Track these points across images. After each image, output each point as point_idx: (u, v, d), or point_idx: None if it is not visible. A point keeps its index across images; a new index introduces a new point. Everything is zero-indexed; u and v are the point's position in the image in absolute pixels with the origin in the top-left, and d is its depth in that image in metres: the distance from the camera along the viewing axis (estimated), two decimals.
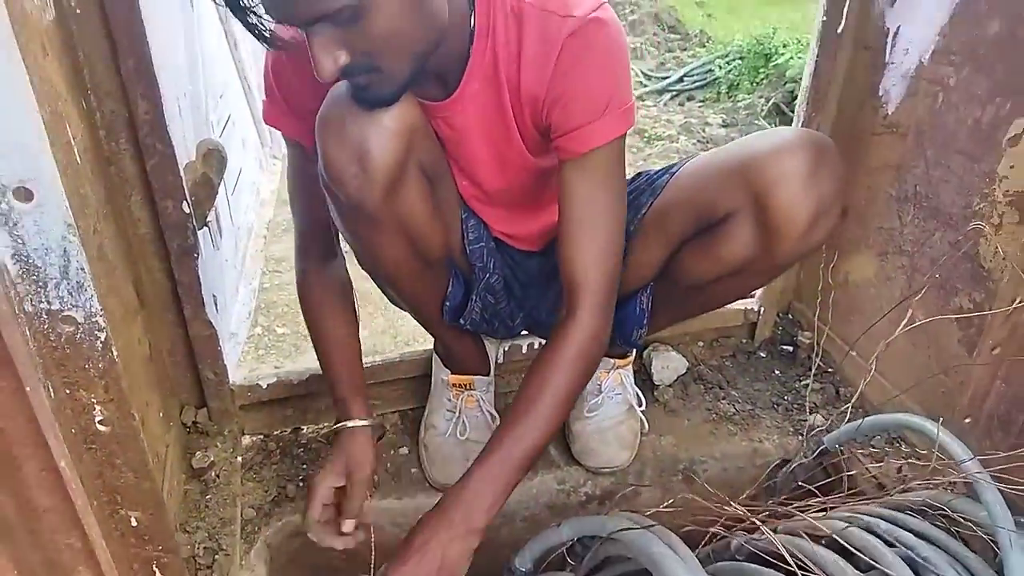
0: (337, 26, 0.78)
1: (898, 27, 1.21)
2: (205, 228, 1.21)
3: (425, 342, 1.41)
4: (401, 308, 1.30)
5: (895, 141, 1.26)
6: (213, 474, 1.21)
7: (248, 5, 0.77)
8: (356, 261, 1.15)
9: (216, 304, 1.29)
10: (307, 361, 1.68)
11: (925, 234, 1.24)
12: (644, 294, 1.19)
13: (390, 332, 2.20)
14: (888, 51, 1.23)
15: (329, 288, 1.18)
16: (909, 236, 1.27)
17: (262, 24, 0.80)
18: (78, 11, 0.97)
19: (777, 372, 1.55)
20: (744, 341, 1.62)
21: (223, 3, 0.78)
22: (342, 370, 1.16)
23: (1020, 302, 1.08)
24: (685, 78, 3.95)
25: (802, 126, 1.33)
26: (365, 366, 1.36)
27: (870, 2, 1.25)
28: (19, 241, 0.67)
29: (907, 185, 1.25)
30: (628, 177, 1.20)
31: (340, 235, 1.15)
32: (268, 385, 1.34)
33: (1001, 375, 1.15)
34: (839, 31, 1.24)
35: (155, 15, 1.04)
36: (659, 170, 1.16)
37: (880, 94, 1.27)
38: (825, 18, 1.23)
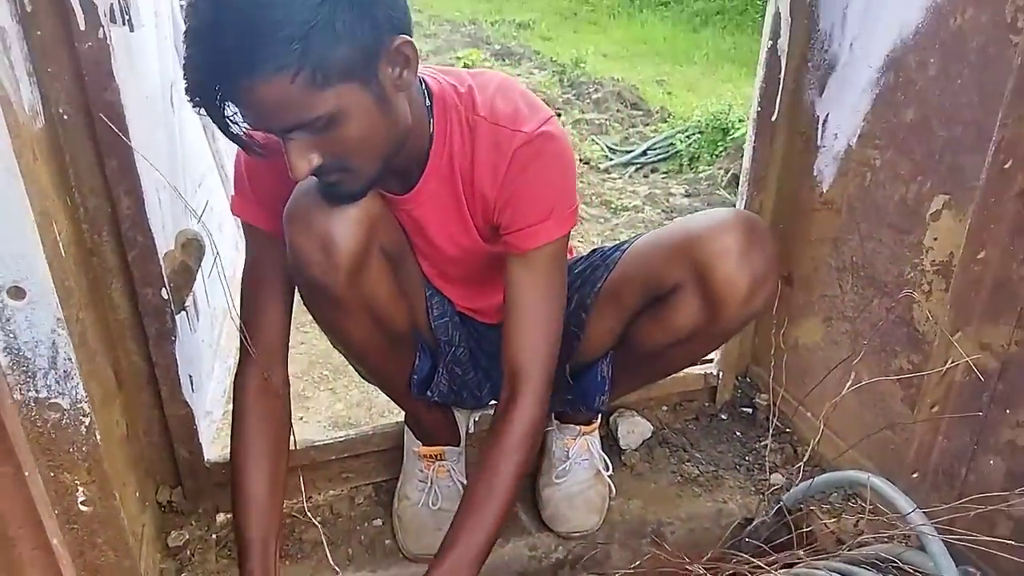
0: (312, 134, 0.85)
1: (827, 114, 1.32)
2: (183, 312, 1.26)
3: (398, 414, 1.45)
4: (371, 383, 1.36)
5: (831, 216, 1.36)
6: (188, 552, 1.23)
7: (229, 115, 0.85)
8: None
9: (192, 384, 1.33)
10: None
11: (864, 301, 1.32)
12: (604, 362, 1.26)
13: (364, 404, 2.22)
14: (819, 136, 1.35)
15: (262, 427, 1.14)
16: (850, 303, 1.36)
17: (241, 131, 0.88)
18: (66, 117, 1.04)
19: (738, 433, 1.61)
20: (706, 404, 1.68)
21: (206, 115, 0.85)
22: (251, 524, 1.09)
23: (952, 363, 1.16)
24: (648, 151, 4.11)
25: (745, 205, 1.43)
26: (340, 440, 1.40)
27: (800, 92, 1.37)
28: (11, 335, 0.72)
29: (844, 256, 1.35)
30: (584, 254, 1.28)
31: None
32: None
33: (942, 431, 1.23)
34: (773, 119, 1.36)
35: (137, 116, 1.11)
36: (612, 247, 1.24)
37: (815, 174, 1.37)
38: (760, 108, 1.35)
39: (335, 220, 0.98)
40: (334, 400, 2.14)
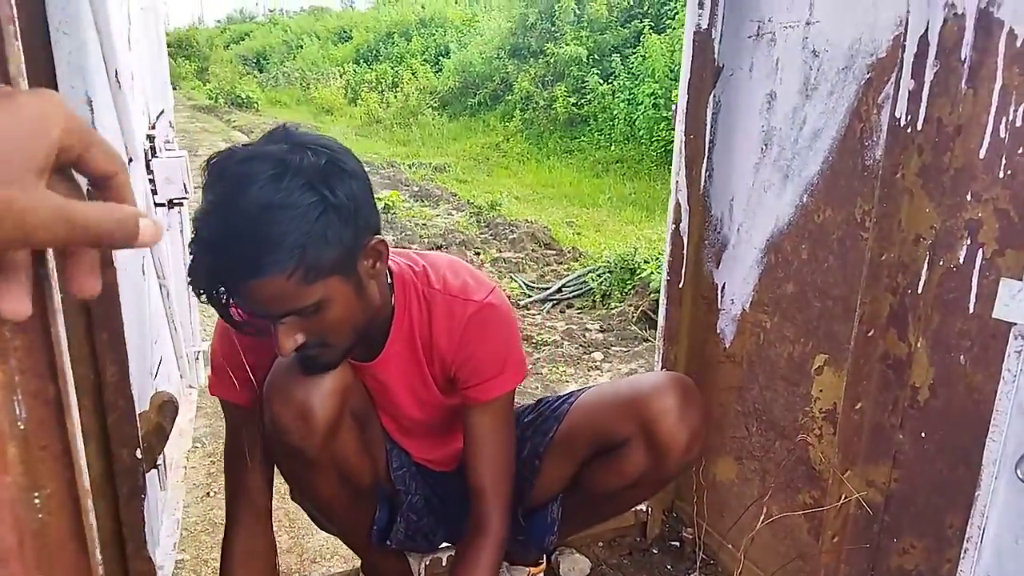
0: (300, 317, 1.00)
1: (723, 283, 1.58)
2: (153, 469, 1.32)
3: (331, 561, 1.51)
4: (332, 533, 1.43)
5: (734, 368, 1.58)
6: None
7: (225, 304, 1.00)
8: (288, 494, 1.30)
9: (153, 538, 1.36)
10: None
11: (768, 442, 1.53)
12: (554, 505, 1.40)
13: (295, 551, 2.22)
14: (719, 300, 1.59)
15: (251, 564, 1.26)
16: (757, 444, 1.56)
17: (237, 315, 1.02)
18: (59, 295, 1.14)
19: (669, 567, 1.74)
20: (638, 539, 1.82)
21: (207, 303, 0.99)
22: None
23: (845, 499, 1.35)
24: (563, 288, 4.39)
25: (661, 358, 1.65)
26: None
27: (701, 264, 1.62)
28: None
29: (748, 403, 1.56)
30: (531, 404, 1.45)
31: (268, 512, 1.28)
32: None
33: (844, 559, 1.40)
34: (680, 285, 1.60)
35: (123, 289, 1.22)
36: (557, 399, 1.41)
37: (718, 331, 1.61)
38: (668, 277, 1.59)
39: (312, 391, 1.11)
40: None
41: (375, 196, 1.06)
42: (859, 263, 1.27)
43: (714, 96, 1.55)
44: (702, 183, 1.58)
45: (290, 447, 1.14)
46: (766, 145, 1.44)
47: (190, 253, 0.96)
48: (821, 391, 1.39)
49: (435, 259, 1.24)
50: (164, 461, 1.46)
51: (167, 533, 1.60)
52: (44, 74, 1.05)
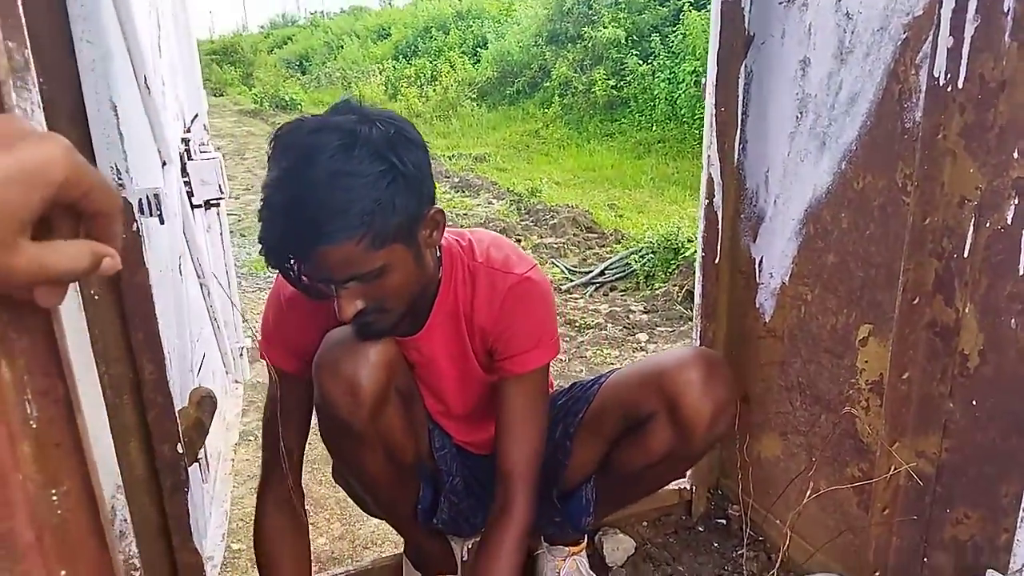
0: (363, 283, 1.02)
1: (761, 257, 1.53)
2: (195, 464, 1.35)
3: (383, 547, 1.52)
4: (377, 516, 1.45)
5: (775, 343, 1.54)
6: None
7: (296, 272, 1.02)
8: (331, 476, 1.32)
9: (200, 530, 1.40)
10: None
11: (813, 416, 1.48)
12: (588, 486, 1.39)
13: (347, 538, 2.26)
14: (757, 275, 1.55)
15: (285, 536, 1.30)
16: (801, 418, 1.52)
17: (304, 281, 1.04)
18: (96, 297, 1.17)
19: (715, 544, 1.71)
20: (683, 518, 1.79)
21: (275, 268, 1.02)
22: None
23: (894, 470, 1.30)
24: (606, 271, 4.34)
25: (699, 335, 1.61)
26: (340, 574, 1.47)
27: (737, 239, 1.58)
28: None
29: (791, 377, 1.52)
30: (565, 387, 1.44)
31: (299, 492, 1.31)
32: None
33: (895, 532, 1.36)
34: (716, 261, 1.56)
35: (157, 290, 1.25)
36: (589, 380, 1.40)
37: (757, 306, 1.56)
38: (704, 253, 1.55)
39: (360, 365, 1.12)
40: (316, 534, 2.17)
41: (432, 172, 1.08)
42: (902, 229, 1.21)
43: (745, 66, 1.50)
44: (735, 156, 1.54)
45: (339, 420, 1.15)
46: (801, 113, 1.39)
47: (260, 220, 0.99)
48: (866, 362, 1.34)
49: (480, 234, 1.26)
50: (207, 454, 1.49)
51: (216, 524, 1.64)
52: (69, 83, 1.07)
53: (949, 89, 1.09)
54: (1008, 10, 1.03)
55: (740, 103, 1.51)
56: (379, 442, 1.21)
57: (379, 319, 1.10)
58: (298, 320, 1.21)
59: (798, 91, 1.38)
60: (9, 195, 0.40)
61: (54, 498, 0.60)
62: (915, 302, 1.21)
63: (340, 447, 1.24)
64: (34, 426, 0.58)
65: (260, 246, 0.99)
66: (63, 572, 0.61)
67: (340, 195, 0.93)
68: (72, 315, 0.72)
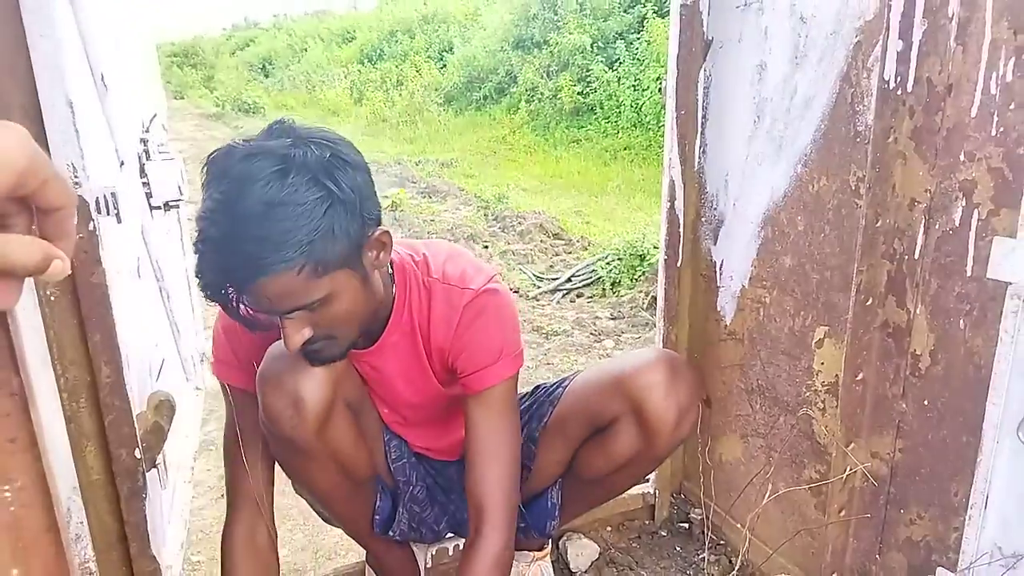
0: (308, 311, 1.00)
1: (722, 260, 1.56)
2: (153, 469, 1.33)
3: (346, 556, 1.51)
4: (335, 526, 1.43)
5: (736, 345, 1.56)
6: None
7: (235, 305, 0.99)
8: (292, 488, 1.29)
9: (157, 540, 1.37)
10: None
11: (772, 418, 1.51)
12: (553, 489, 1.39)
13: (310, 548, 2.23)
14: (718, 278, 1.57)
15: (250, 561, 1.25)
16: (761, 421, 1.54)
17: (246, 313, 1.02)
18: (52, 298, 1.14)
19: (678, 548, 1.73)
20: (647, 522, 1.81)
21: (214, 301, 0.99)
22: None
23: (850, 471, 1.33)
24: (573, 278, 4.36)
25: (662, 339, 1.63)
26: None
27: (699, 242, 1.60)
28: None
29: (751, 380, 1.54)
30: (528, 390, 1.43)
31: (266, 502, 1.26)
32: None
33: (851, 532, 1.38)
34: (678, 264, 1.58)
35: (114, 291, 1.23)
36: (553, 383, 1.40)
37: (718, 309, 1.59)
38: (666, 256, 1.57)
39: (303, 380, 1.11)
40: (278, 546, 2.14)
41: (376, 190, 1.05)
42: (855, 231, 1.24)
43: (705, 70, 1.53)
44: (696, 159, 1.56)
45: (282, 436, 1.13)
46: (759, 116, 1.42)
47: (196, 252, 0.95)
48: (823, 364, 1.37)
49: (436, 247, 1.23)
50: (165, 462, 1.46)
51: (174, 534, 1.61)
52: (22, 78, 1.05)
53: (899, 92, 1.12)
54: (952, 15, 1.06)
55: (700, 107, 1.54)
56: (327, 456, 1.19)
57: (328, 346, 1.07)
58: (249, 335, 1.16)
59: (755, 95, 1.41)
60: None
61: (7, 494, 0.59)
62: (868, 303, 1.24)
63: (287, 461, 1.22)
64: None
65: (198, 280, 0.96)
66: (15, 572, 0.60)
67: (276, 225, 0.90)
68: (28, 312, 0.71)
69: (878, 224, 1.19)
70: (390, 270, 1.17)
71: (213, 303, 0.99)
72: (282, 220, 0.90)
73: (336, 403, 1.15)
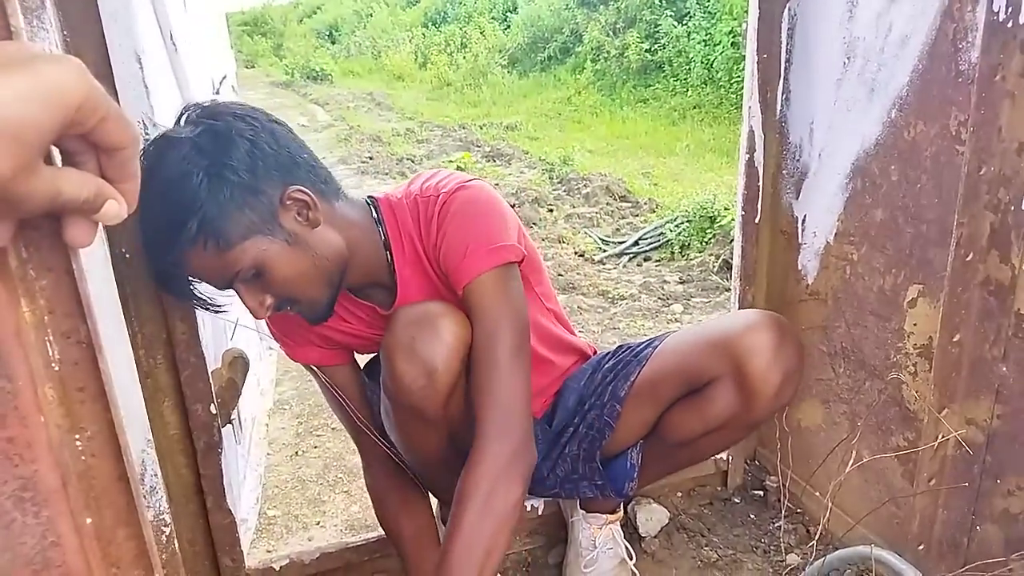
0: (250, 282, 1.02)
1: (804, 215, 1.47)
2: (228, 424, 1.35)
3: None
4: (434, 493, 1.43)
5: (818, 306, 1.48)
6: None
7: (186, 283, 1.05)
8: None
9: (234, 493, 1.40)
10: (316, 541, 1.75)
11: (857, 383, 1.43)
12: (634, 451, 1.35)
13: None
14: (800, 234, 1.49)
15: (398, 494, 1.35)
16: (844, 386, 1.46)
17: (201, 295, 1.07)
18: (127, 255, 1.16)
19: (752, 516, 1.68)
20: (719, 489, 1.76)
21: (167, 292, 1.08)
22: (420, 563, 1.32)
23: (942, 438, 1.25)
24: (640, 241, 4.26)
25: (738, 299, 1.56)
26: (372, 540, 1.47)
27: (779, 196, 1.52)
28: None
29: (835, 342, 1.46)
30: (610, 350, 1.39)
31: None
32: (281, 567, 1.43)
33: (942, 503, 1.31)
34: (756, 221, 1.50)
35: None
36: (639, 343, 1.35)
37: (799, 268, 1.50)
38: (744, 212, 1.49)
39: (438, 350, 1.07)
40: (350, 502, 2.18)
41: (305, 155, 1.06)
42: (955, 181, 1.15)
43: (789, 8, 1.42)
44: (778, 107, 1.47)
45: (409, 404, 1.12)
46: (848, 58, 1.32)
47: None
48: (915, 325, 1.28)
49: (427, 173, 1.21)
50: (240, 417, 1.49)
51: (250, 488, 1.65)
52: (92, 34, 1.05)
53: (1010, 25, 1.01)
54: None
55: (783, 49, 1.44)
56: (447, 427, 1.18)
57: (302, 309, 1.09)
58: (287, 318, 1.20)
59: (845, 34, 1.31)
60: (28, 113, 0.39)
61: (78, 443, 0.59)
62: (968, 259, 1.14)
63: (407, 430, 1.21)
64: (56, 368, 0.56)
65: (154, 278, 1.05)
66: (88, 520, 0.61)
67: (164, 207, 0.95)
68: (98, 263, 0.71)
69: (981, 172, 1.09)
70: (375, 212, 1.16)
71: (168, 292, 1.08)
72: (171, 202, 0.95)
73: (463, 373, 1.12)
